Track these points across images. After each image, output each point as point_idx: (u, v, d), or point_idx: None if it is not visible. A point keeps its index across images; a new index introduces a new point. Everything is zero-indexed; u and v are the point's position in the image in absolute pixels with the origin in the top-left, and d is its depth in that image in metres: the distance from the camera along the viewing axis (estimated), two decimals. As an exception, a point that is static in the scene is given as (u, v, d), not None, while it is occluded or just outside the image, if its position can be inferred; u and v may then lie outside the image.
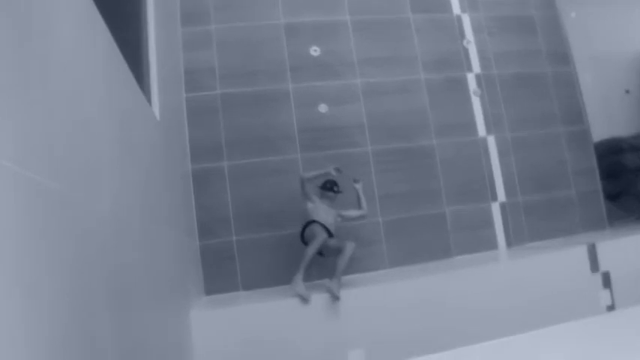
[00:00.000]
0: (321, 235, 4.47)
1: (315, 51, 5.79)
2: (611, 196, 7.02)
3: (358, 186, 5.04)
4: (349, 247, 4.46)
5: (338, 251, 4.48)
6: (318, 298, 4.25)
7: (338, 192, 4.95)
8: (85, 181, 1.75)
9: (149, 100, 3.47)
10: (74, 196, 1.63)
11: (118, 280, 2.02)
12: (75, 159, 1.67)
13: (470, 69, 6.15)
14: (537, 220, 5.97)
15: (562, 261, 4.75)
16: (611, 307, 4.67)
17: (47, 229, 1.38)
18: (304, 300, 4.23)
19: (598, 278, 4.70)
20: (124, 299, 2.09)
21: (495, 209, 5.89)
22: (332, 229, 4.75)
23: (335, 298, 4.22)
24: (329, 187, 4.94)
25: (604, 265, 4.73)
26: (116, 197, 2.14)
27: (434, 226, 5.69)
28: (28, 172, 1.26)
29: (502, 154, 6.02)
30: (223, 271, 5.24)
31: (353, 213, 5.03)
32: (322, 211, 4.81)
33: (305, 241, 4.72)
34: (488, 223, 5.85)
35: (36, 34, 1.43)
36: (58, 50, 1.61)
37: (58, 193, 1.48)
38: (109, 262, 1.92)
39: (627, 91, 8.20)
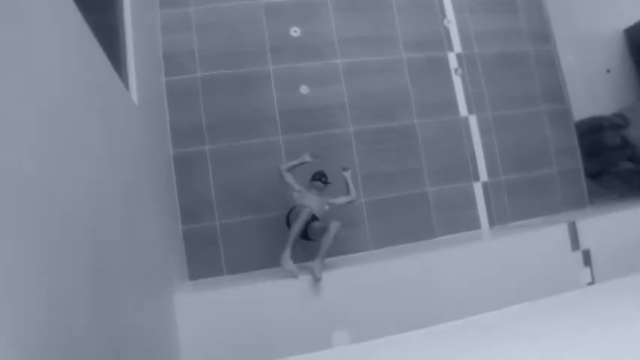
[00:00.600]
0: (305, 211, 4.46)
1: (295, 32, 5.74)
2: (593, 175, 7.07)
3: (347, 174, 5.02)
4: (334, 226, 4.45)
5: (323, 231, 4.48)
6: (303, 280, 4.24)
7: (327, 183, 4.93)
8: (59, 165, 1.72)
9: (126, 84, 3.43)
10: (48, 180, 1.60)
11: (96, 265, 2.00)
12: (48, 143, 1.64)
13: (451, 48, 6.13)
14: (519, 199, 6.00)
15: (543, 240, 4.78)
16: (591, 284, 4.72)
17: (19, 213, 1.36)
18: (293, 276, 4.24)
19: (579, 256, 4.75)
20: (103, 283, 2.07)
21: (478, 189, 5.90)
22: (318, 214, 4.74)
23: (316, 279, 4.22)
24: (317, 177, 4.92)
25: (584, 243, 4.78)
26: (92, 181, 2.11)
27: (417, 207, 5.70)
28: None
29: (484, 134, 6.03)
30: (207, 255, 5.22)
31: (341, 200, 5.02)
32: (309, 198, 4.78)
33: (290, 224, 4.70)
34: (471, 202, 5.87)
35: (3, 17, 1.40)
36: (26, 34, 1.57)
37: (30, 178, 1.45)
38: (86, 247, 1.90)
39: (608, 71, 8.24)
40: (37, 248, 1.45)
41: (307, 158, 4.87)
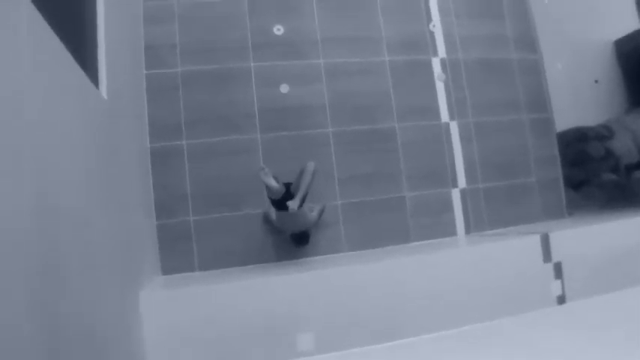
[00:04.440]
0: (310, 164, 4.72)
1: (278, 30, 5.70)
2: (574, 185, 7.08)
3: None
4: (309, 166, 4.61)
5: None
6: (277, 281, 4.24)
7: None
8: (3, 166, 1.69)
9: (95, 79, 3.38)
10: None
11: (42, 262, 1.96)
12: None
13: (435, 53, 6.10)
14: (497, 207, 5.99)
15: (515, 250, 4.76)
16: (561, 298, 4.71)
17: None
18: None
19: (550, 268, 4.73)
20: (50, 280, 2.03)
21: (456, 195, 5.89)
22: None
23: (291, 208, 4.39)
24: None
25: (557, 256, 4.75)
26: (43, 180, 2.07)
27: (393, 211, 5.67)
28: None
29: (464, 140, 6.00)
30: (180, 250, 5.19)
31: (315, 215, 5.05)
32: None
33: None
34: (448, 208, 5.85)
35: None
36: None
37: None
38: (33, 247, 1.87)
39: (596, 81, 8.24)
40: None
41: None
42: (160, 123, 5.31)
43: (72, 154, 2.55)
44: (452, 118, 6.00)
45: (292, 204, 4.42)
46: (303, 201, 4.57)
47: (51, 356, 1.97)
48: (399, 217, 5.68)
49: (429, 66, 6.05)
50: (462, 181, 5.92)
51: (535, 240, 4.76)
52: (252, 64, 5.57)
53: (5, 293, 1.62)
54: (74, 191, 2.52)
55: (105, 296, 2.96)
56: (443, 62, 6.10)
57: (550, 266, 4.73)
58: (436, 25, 6.15)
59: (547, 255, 4.74)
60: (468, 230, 5.84)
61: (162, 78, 5.40)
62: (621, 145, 7.17)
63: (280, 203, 4.65)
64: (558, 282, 4.74)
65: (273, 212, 5.01)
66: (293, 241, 5.16)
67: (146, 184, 5.02)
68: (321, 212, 5.15)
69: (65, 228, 2.30)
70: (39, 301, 1.90)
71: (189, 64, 5.45)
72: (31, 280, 1.84)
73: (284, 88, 5.60)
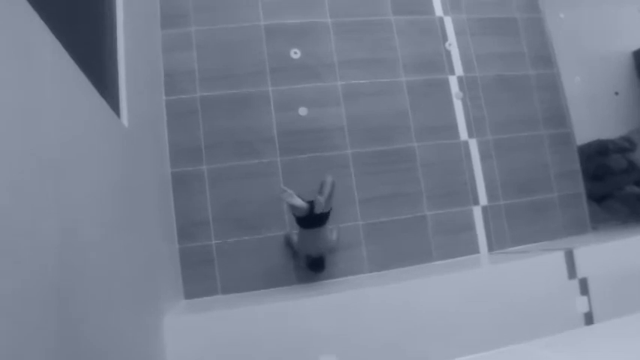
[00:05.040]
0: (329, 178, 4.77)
1: (295, 53, 5.76)
2: (597, 199, 6.99)
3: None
4: (328, 178, 4.70)
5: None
6: (300, 303, 4.24)
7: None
8: (24, 201, 1.73)
9: (116, 107, 3.44)
10: (11, 218, 1.61)
11: (63, 291, 1.99)
12: (12, 178, 1.64)
13: (452, 72, 6.11)
14: (519, 224, 5.94)
15: (539, 267, 4.70)
16: (588, 314, 4.63)
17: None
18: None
19: (575, 284, 4.67)
20: (72, 310, 2.06)
21: (477, 213, 5.85)
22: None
23: (319, 202, 4.50)
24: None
25: (582, 271, 4.68)
26: (66, 211, 2.11)
27: (414, 230, 5.66)
28: None
29: (484, 158, 5.98)
30: (202, 274, 5.21)
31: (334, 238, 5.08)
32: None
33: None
34: (470, 226, 5.81)
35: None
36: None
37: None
38: (55, 278, 1.90)
39: (616, 93, 8.17)
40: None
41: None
42: (181, 148, 5.38)
43: (94, 183, 2.59)
44: (471, 135, 5.99)
45: (320, 198, 4.46)
46: (329, 199, 4.60)
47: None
48: (421, 236, 5.66)
49: (446, 84, 6.06)
50: (482, 199, 5.90)
51: (559, 256, 4.70)
52: (270, 88, 5.62)
53: (24, 322, 1.65)
54: (96, 220, 2.56)
55: (128, 324, 2.99)
56: (460, 80, 6.10)
57: (575, 282, 4.67)
58: (452, 44, 6.17)
59: (572, 271, 4.68)
60: (490, 248, 5.80)
61: (181, 104, 5.47)
62: (644, 156, 7.09)
63: (305, 220, 4.68)
64: (584, 298, 4.67)
65: (295, 234, 5.03)
66: (309, 267, 5.17)
67: (168, 209, 5.07)
68: (338, 235, 5.16)
69: (87, 258, 2.33)
70: (60, 330, 1.93)
71: (208, 89, 5.52)
72: (50, 311, 1.87)
73: (302, 111, 5.64)
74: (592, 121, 7.45)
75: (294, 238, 5.06)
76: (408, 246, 5.60)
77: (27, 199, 1.76)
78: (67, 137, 2.23)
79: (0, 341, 1.46)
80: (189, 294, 5.14)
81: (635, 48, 8.35)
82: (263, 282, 5.25)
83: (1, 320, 1.48)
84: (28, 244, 1.73)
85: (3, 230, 1.55)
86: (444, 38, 6.18)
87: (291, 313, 4.17)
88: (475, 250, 5.77)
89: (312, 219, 4.65)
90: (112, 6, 3.70)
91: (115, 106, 3.39)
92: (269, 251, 5.32)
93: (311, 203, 4.63)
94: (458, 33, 6.23)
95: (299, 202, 4.58)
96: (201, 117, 5.47)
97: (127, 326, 2.96)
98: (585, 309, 4.66)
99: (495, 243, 5.82)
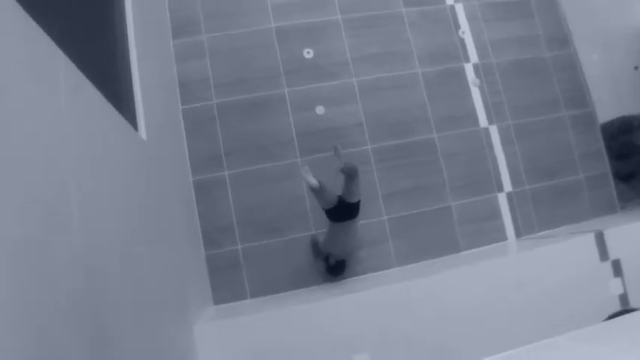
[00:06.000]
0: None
1: (308, 53, 5.74)
2: (623, 177, 6.86)
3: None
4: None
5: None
6: (329, 303, 4.23)
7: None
8: (50, 221, 1.74)
9: (134, 122, 3.46)
10: (39, 238, 1.62)
11: (93, 305, 2.00)
12: (38, 200, 1.66)
13: (467, 59, 6.05)
14: (546, 208, 5.86)
15: (570, 251, 4.62)
16: (623, 296, 4.55)
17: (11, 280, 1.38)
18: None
19: (608, 267, 4.59)
20: (103, 322, 2.08)
21: (502, 200, 5.79)
22: None
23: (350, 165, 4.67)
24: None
25: (614, 253, 4.60)
26: (90, 226, 2.12)
27: (440, 221, 5.62)
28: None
29: (505, 144, 5.91)
30: (230, 279, 5.24)
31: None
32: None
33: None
34: (496, 214, 5.76)
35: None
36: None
37: (21, 240, 1.47)
38: (82, 293, 1.91)
39: (636, 68, 8.01)
40: (31, 311, 1.46)
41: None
42: (201, 156, 5.40)
43: (116, 198, 2.61)
44: (490, 122, 5.93)
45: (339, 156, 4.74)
46: (354, 182, 4.67)
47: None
48: (447, 227, 5.62)
49: (462, 73, 6.00)
50: (507, 185, 5.83)
51: (589, 238, 4.63)
52: (285, 90, 5.62)
53: (56, 336, 1.66)
54: (121, 232, 2.58)
55: (158, 333, 3.01)
56: (476, 67, 6.04)
57: (608, 264, 4.59)
58: (465, 32, 6.10)
59: (603, 253, 4.60)
60: (518, 234, 5.73)
61: (198, 112, 5.49)
62: (670, 131, 6.95)
63: (334, 213, 4.70)
64: (618, 280, 4.59)
65: (321, 236, 5.04)
66: (329, 271, 5.18)
67: (192, 216, 5.09)
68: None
69: (113, 270, 2.34)
70: (89, 342, 1.94)
71: (223, 95, 5.54)
72: (82, 326, 1.88)
73: (320, 110, 5.63)
74: (613, 99, 7.31)
75: (320, 239, 5.05)
76: (434, 238, 5.56)
77: (54, 216, 1.78)
78: (88, 154, 2.25)
79: (28, 352, 1.48)
80: (218, 300, 5.16)
81: (652, 21, 8.19)
82: (291, 283, 5.26)
83: (27, 333, 1.50)
84: (56, 259, 1.74)
85: (31, 244, 1.57)
86: (457, 26, 6.12)
87: (321, 313, 4.17)
88: (502, 237, 5.71)
89: (343, 210, 4.67)
90: (122, 21, 3.73)
91: (132, 120, 3.42)
92: (295, 252, 5.32)
93: (340, 198, 4.64)
94: (470, 20, 6.16)
95: (313, 181, 4.65)
96: (219, 123, 5.48)
97: (158, 335, 2.98)
98: (620, 291, 4.58)
99: (523, 229, 5.75)
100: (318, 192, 4.68)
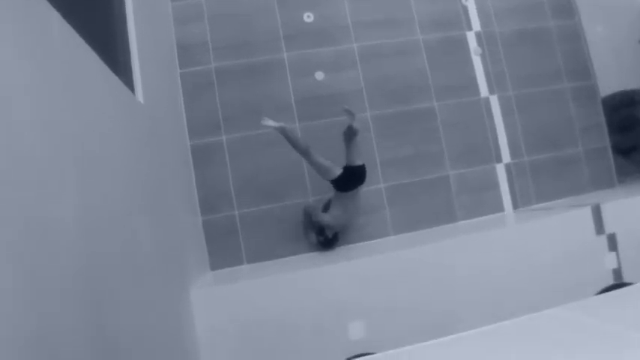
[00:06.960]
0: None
1: (308, 17, 5.65)
2: (624, 151, 6.83)
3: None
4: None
5: None
6: (325, 270, 4.23)
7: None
8: (46, 184, 1.72)
9: (131, 85, 3.42)
10: (34, 203, 1.60)
11: (91, 267, 1.99)
12: (32, 165, 1.64)
13: (469, 27, 5.96)
14: (544, 180, 5.85)
15: (566, 224, 4.62)
16: (617, 271, 4.55)
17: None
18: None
19: (604, 240, 4.58)
20: (101, 284, 2.07)
21: (500, 170, 5.77)
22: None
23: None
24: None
25: (610, 227, 4.59)
26: (87, 189, 2.10)
27: (438, 191, 5.61)
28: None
29: (506, 114, 5.87)
30: (227, 245, 5.24)
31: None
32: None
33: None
34: (494, 185, 5.74)
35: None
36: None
37: (15, 204, 1.46)
38: (79, 255, 1.90)
39: (640, 41, 7.92)
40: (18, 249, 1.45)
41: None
42: (198, 120, 5.35)
43: (113, 160, 2.58)
44: (491, 92, 5.87)
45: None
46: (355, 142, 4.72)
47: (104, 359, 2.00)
48: (444, 196, 5.61)
49: (464, 41, 5.92)
50: (506, 156, 5.80)
51: (586, 212, 4.61)
52: (285, 55, 5.55)
53: (52, 298, 1.65)
54: (118, 196, 2.55)
55: (155, 297, 3.00)
56: (478, 36, 5.96)
57: (603, 238, 4.58)
58: (468, -1, 6.02)
59: (599, 227, 4.59)
60: (515, 205, 5.73)
61: (196, 76, 5.43)
62: (671, 106, 6.90)
63: (342, 181, 4.71)
64: (613, 254, 4.59)
65: (317, 209, 5.05)
66: (322, 244, 5.15)
67: (189, 181, 5.07)
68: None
69: (110, 234, 2.33)
70: (88, 306, 1.94)
71: (222, 59, 5.46)
72: (78, 287, 1.87)
73: (319, 76, 5.57)
74: (616, 72, 7.23)
75: (317, 212, 5.02)
76: (431, 207, 5.55)
77: (49, 180, 1.75)
78: (83, 117, 2.21)
79: (31, 317, 1.47)
80: (215, 265, 5.17)
81: (658, -7, 8.07)
82: (288, 249, 5.26)
83: (32, 297, 1.49)
84: (53, 223, 1.72)
85: (28, 207, 1.55)
86: (460, -7, 6.02)
87: (317, 280, 4.16)
88: (500, 208, 5.71)
89: (351, 177, 4.70)
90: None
91: (129, 82, 3.37)
92: (293, 219, 5.31)
93: (345, 166, 4.64)
94: (474, -14, 6.06)
95: (277, 124, 4.70)
96: (217, 88, 5.42)
97: (155, 300, 2.97)
98: (614, 265, 4.58)
99: (520, 200, 5.75)
100: (287, 134, 4.67)
